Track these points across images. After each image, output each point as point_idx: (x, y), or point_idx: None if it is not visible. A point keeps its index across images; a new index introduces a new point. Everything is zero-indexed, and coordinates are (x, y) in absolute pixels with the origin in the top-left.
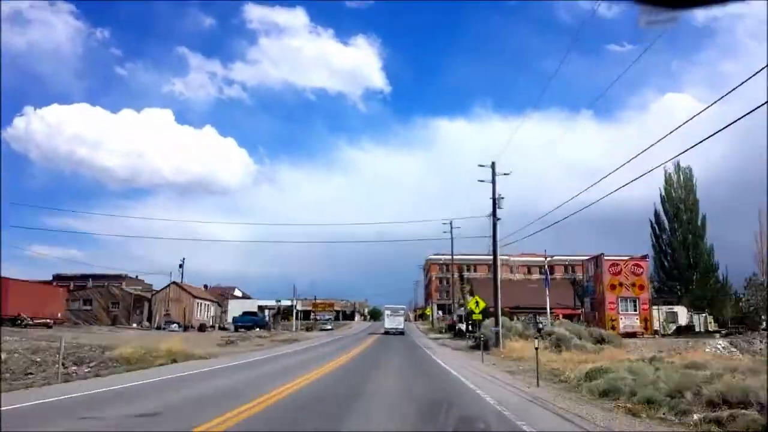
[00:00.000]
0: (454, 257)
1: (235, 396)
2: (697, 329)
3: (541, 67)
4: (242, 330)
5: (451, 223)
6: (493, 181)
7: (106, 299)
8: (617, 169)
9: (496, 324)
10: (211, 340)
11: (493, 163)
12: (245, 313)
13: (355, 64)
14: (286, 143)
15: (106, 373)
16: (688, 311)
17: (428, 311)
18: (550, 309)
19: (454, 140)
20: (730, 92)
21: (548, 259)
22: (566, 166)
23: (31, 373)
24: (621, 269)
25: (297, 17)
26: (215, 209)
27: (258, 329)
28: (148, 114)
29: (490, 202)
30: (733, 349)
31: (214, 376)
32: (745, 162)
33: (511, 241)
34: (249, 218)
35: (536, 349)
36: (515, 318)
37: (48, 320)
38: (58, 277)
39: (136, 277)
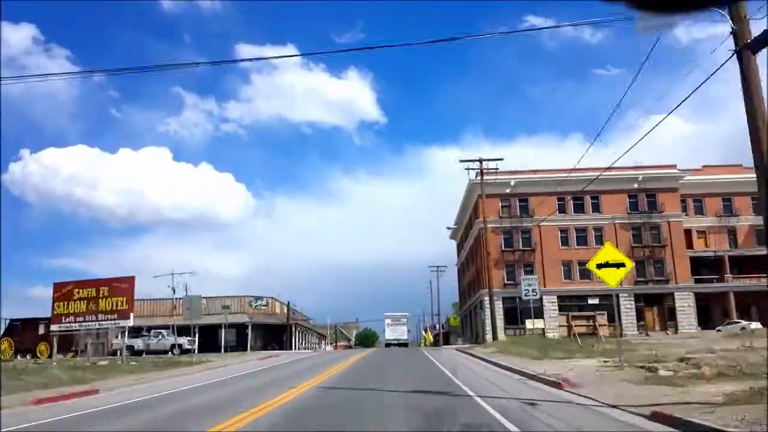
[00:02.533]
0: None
1: None
2: None
3: (529, 94)
4: None
5: None
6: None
7: None
8: None
9: None
10: None
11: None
12: None
13: (348, 96)
14: (283, 176)
15: None
16: None
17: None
18: None
19: (446, 167)
20: None
21: None
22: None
23: None
24: None
25: (289, 54)
26: (214, 244)
27: None
28: (146, 153)
29: None
30: None
31: None
32: None
33: None
34: (248, 251)
35: None
36: None
37: None
38: None
39: None
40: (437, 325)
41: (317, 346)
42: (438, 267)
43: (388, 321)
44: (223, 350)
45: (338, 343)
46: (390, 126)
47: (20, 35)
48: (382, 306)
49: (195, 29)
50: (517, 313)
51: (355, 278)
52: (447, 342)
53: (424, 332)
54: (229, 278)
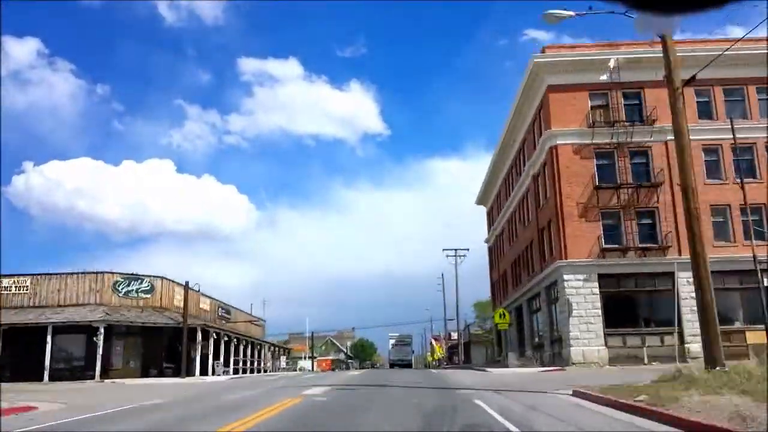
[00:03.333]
0: None
1: None
2: None
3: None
4: None
5: None
6: None
7: None
8: None
9: None
10: None
11: None
12: None
13: (351, 108)
14: (286, 188)
15: None
16: None
17: None
18: None
19: (448, 178)
20: None
21: None
22: None
23: None
24: None
25: (291, 67)
26: (218, 255)
27: None
28: (149, 165)
29: None
30: None
31: None
32: None
33: None
34: (251, 261)
35: None
36: None
37: None
38: None
39: None
40: (453, 334)
41: (271, 364)
42: (456, 250)
43: (392, 341)
44: (46, 377)
45: (323, 358)
46: (393, 138)
47: (24, 49)
48: (383, 315)
49: (197, 42)
50: (634, 306)
51: (355, 288)
52: (468, 358)
53: (432, 343)
54: (232, 288)
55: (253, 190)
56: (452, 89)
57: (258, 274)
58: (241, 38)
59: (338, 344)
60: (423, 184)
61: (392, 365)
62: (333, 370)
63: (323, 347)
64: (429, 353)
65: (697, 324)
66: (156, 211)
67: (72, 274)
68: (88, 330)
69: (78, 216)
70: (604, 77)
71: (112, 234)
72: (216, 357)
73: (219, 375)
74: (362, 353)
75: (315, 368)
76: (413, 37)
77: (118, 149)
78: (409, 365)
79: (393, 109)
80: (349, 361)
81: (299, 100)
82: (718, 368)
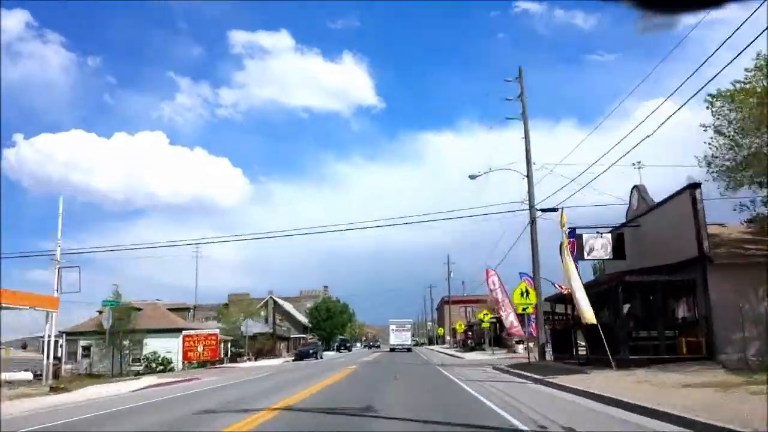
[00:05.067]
0: None
1: None
2: None
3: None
4: None
5: None
6: None
7: None
8: None
9: None
10: None
11: None
12: None
13: (344, 82)
14: (280, 161)
15: None
16: None
17: None
18: None
19: (442, 152)
20: None
21: None
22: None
23: None
24: None
25: (282, 39)
26: (212, 228)
27: None
28: (141, 137)
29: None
30: None
31: None
32: None
33: None
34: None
35: None
36: None
37: None
38: None
39: None
40: (590, 240)
41: None
42: None
43: (393, 327)
44: None
45: (200, 333)
46: (387, 111)
47: (13, 21)
48: (378, 287)
49: (188, 15)
50: None
51: (349, 261)
52: (707, 339)
53: (493, 283)
54: (228, 262)
55: (247, 164)
56: (446, 63)
57: (252, 248)
58: (232, 10)
59: (288, 308)
60: (416, 157)
61: (392, 349)
62: (220, 360)
63: (243, 318)
64: (437, 326)
65: None
66: (149, 183)
67: None
68: None
69: (71, 188)
70: None
71: (105, 206)
72: None
73: None
74: (328, 322)
75: (181, 362)
76: (406, 9)
77: (110, 122)
78: (409, 350)
79: (387, 82)
80: (302, 336)
81: (291, 72)
82: None
